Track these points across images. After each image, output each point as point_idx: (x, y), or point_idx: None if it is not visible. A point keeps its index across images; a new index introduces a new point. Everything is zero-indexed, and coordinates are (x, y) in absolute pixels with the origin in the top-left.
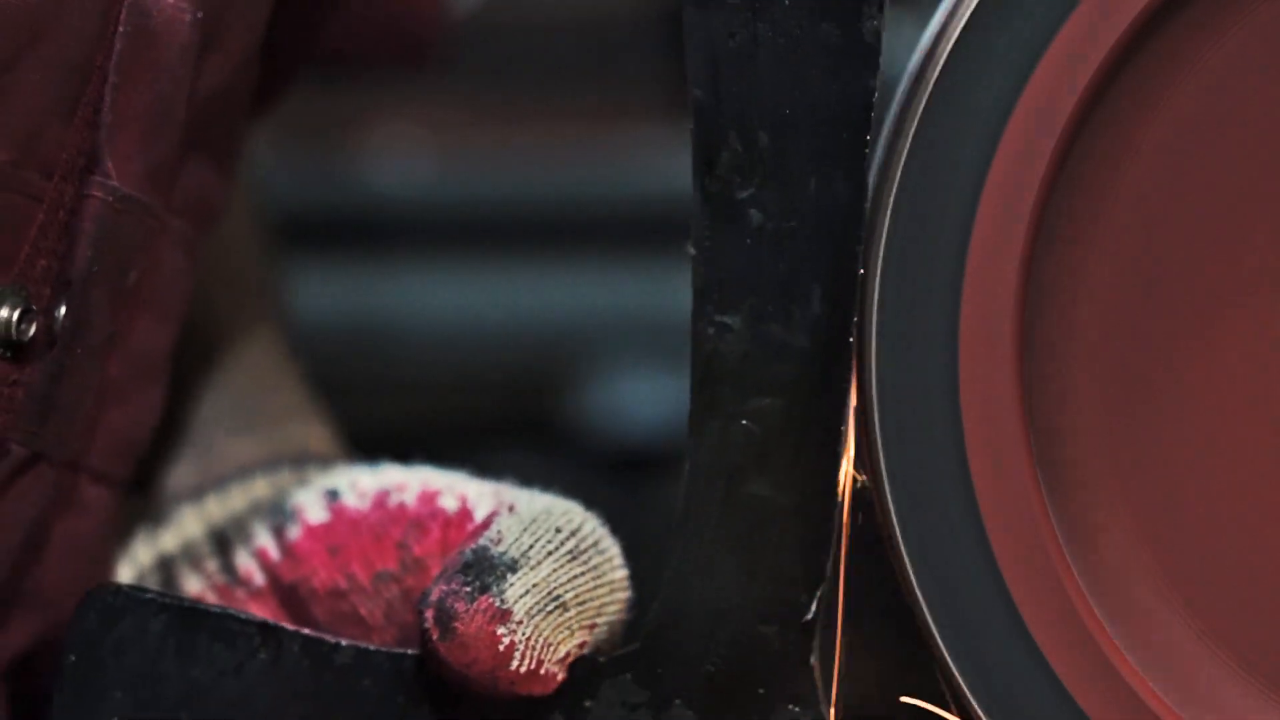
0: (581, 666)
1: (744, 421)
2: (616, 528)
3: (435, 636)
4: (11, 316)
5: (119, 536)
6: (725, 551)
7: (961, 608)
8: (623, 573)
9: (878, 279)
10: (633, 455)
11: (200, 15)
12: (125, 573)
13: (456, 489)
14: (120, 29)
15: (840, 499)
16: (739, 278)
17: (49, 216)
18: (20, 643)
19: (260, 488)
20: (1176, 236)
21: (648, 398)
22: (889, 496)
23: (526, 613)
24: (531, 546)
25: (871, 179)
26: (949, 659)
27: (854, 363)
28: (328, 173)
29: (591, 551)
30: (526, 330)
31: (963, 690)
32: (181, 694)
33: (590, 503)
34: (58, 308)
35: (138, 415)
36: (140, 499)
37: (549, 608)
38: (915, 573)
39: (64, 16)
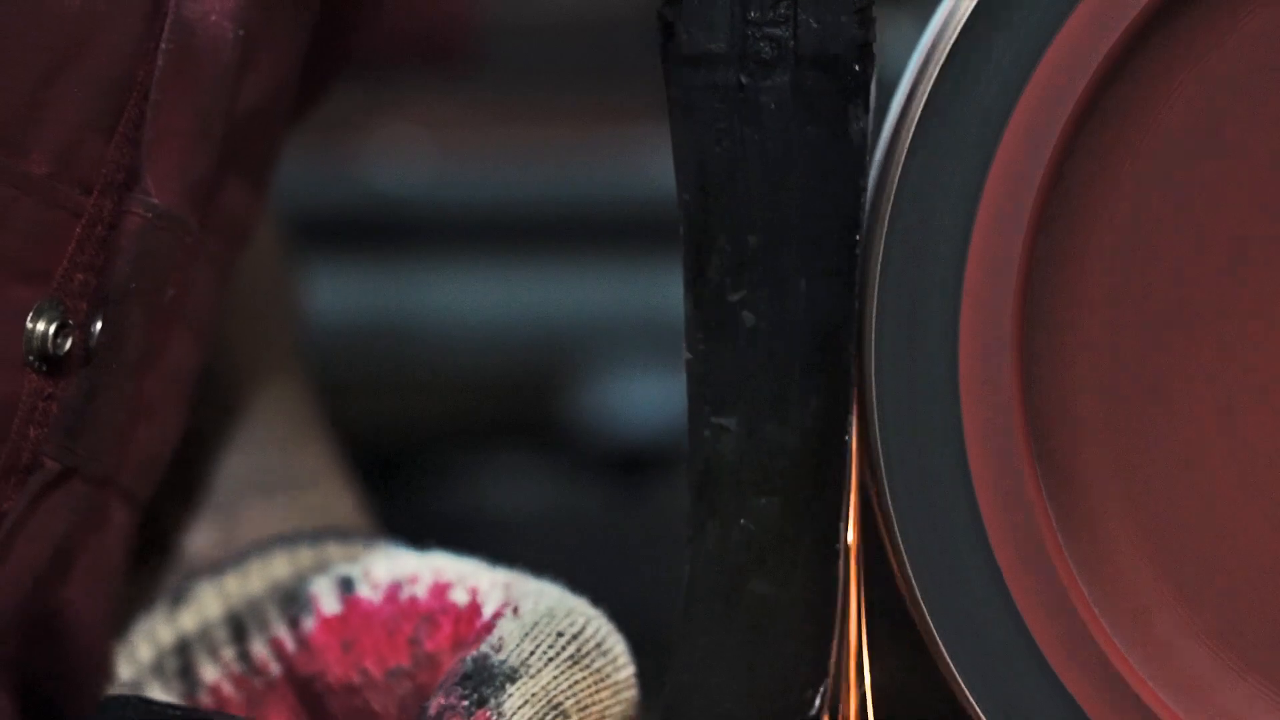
0: None
1: (743, 522)
2: (616, 528)
3: None
4: (48, 330)
5: (141, 599)
6: (728, 651)
7: (961, 608)
8: (628, 672)
9: (878, 280)
10: (633, 455)
11: (242, 33)
12: (145, 652)
13: (468, 581)
14: (162, 45)
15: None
16: (734, 380)
17: (87, 231)
18: (39, 664)
19: (279, 567)
20: (1177, 236)
21: (648, 398)
22: (889, 496)
23: None
24: (532, 653)
25: (871, 184)
26: (949, 659)
27: (852, 461)
28: (327, 173)
29: (594, 654)
30: (526, 330)
31: (963, 690)
32: None
33: (590, 503)
34: (94, 323)
35: (165, 434)
36: (159, 558)
37: (549, 717)
38: (915, 573)
39: (106, 31)
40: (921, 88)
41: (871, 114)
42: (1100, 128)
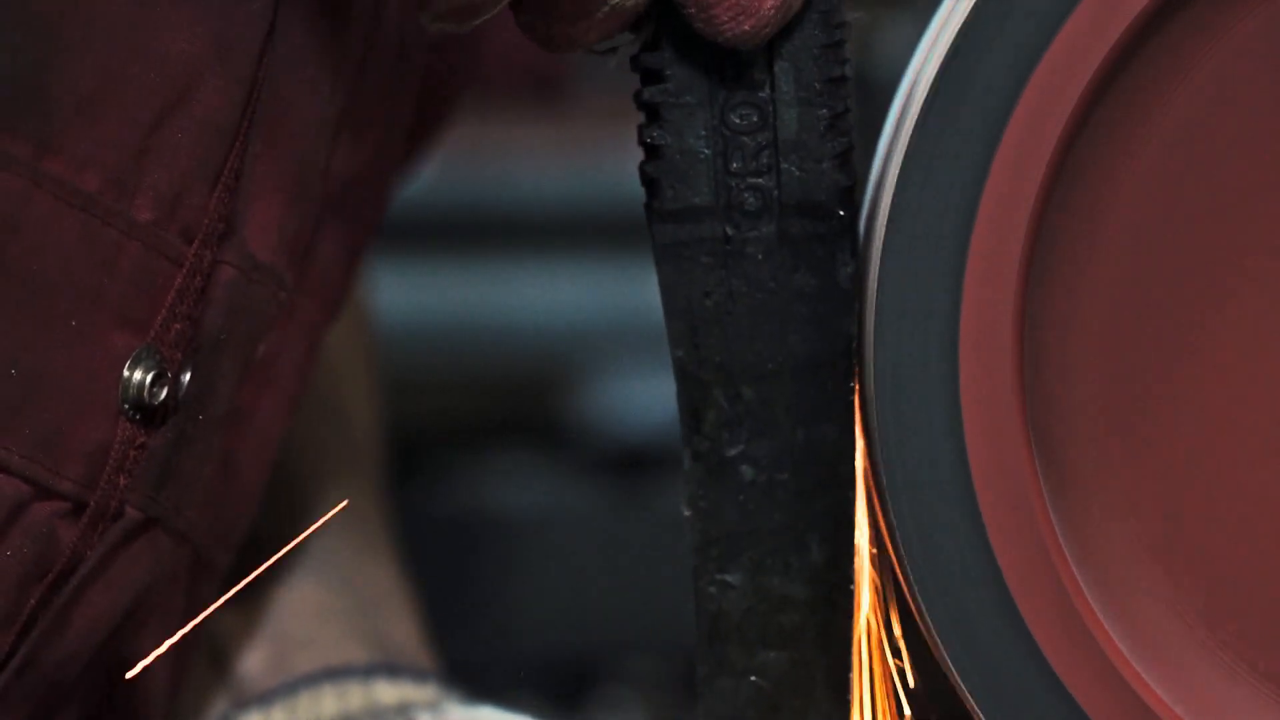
0: None
1: (752, 678)
2: (616, 528)
3: None
4: (145, 379)
5: (196, 687)
6: None
7: (962, 608)
8: None
9: (877, 281)
10: (633, 455)
11: (338, 91)
12: None
13: None
14: (261, 96)
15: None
16: (736, 534)
17: (187, 281)
18: (104, 712)
19: (327, 704)
20: (1177, 236)
21: (648, 398)
22: (889, 497)
23: None
24: None
25: (867, 193)
26: (949, 659)
27: (855, 610)
28: None
29: None
30: (526, 330)
31: (963, 690)
32: None
33: (590, 503)
34: (185, 373)
35: (247, 499)
36: (212, 674)
37: None
38: (915, 573)
39: (212, 76)
40: (921, 88)
41: (857, 258)
42: (1100, 128)
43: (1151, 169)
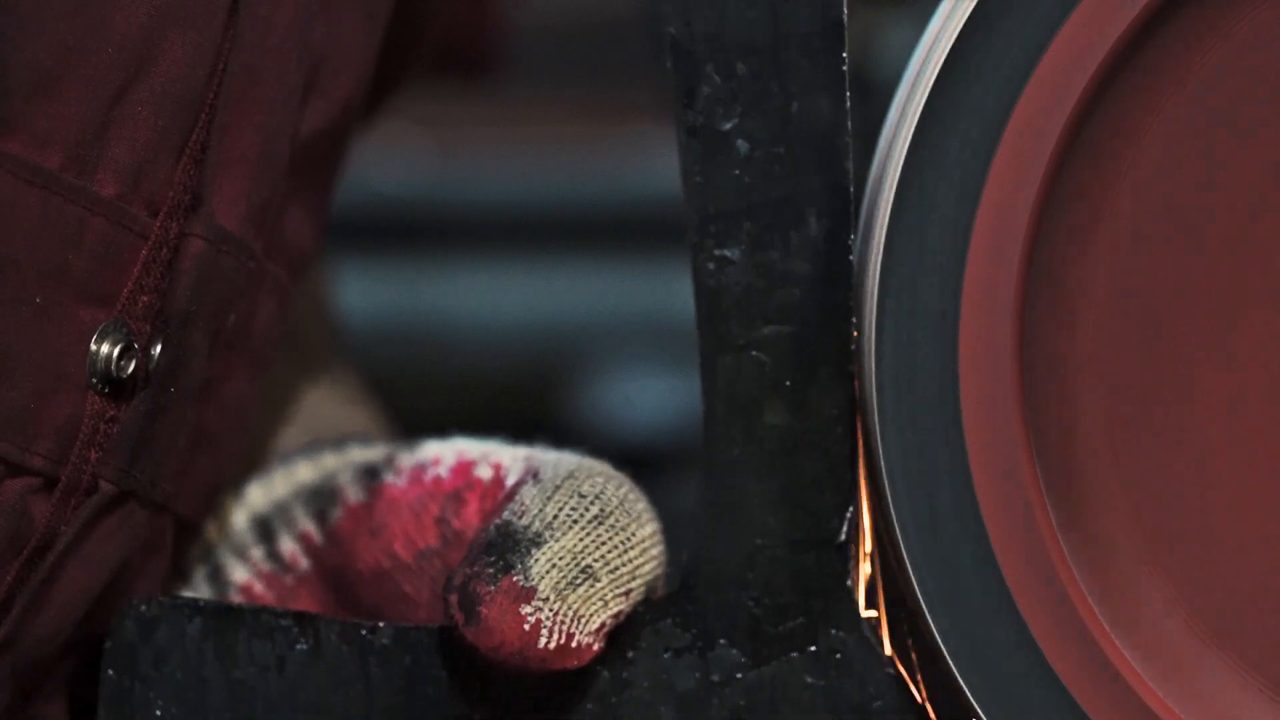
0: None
1: (754, 353)
2: None
3: (461, 622)
4: (112, 353)
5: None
6: (751, 485)
7: (962, 608)
8: (652, 528)
9: (877, 282)
10: (633, 455)
11: (305, 56)
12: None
13: (491, 457)
14: (228, 67)
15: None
16: (733, 209)
17: (153, 253)
18: (95, 684)
19: (303, 472)
20: (1178, 237)
21: (648, 398)
22: (890, 497)
23: (553, 588)
24: (555, 517)
25: (866, 193)
26: (949, 659)
27: (853, 282)
28: None
29: (619, 513)
30: (526, 330)
31: (963, 690)
32: (226, 696)
33: None
34: (155, 345)
35: (223, 465)
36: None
37: (577, 580)
38: (915, 573)
39: (172, 49)
40: (921, 88)
41: None
42: (1100, 130)
43: (1152, 169)
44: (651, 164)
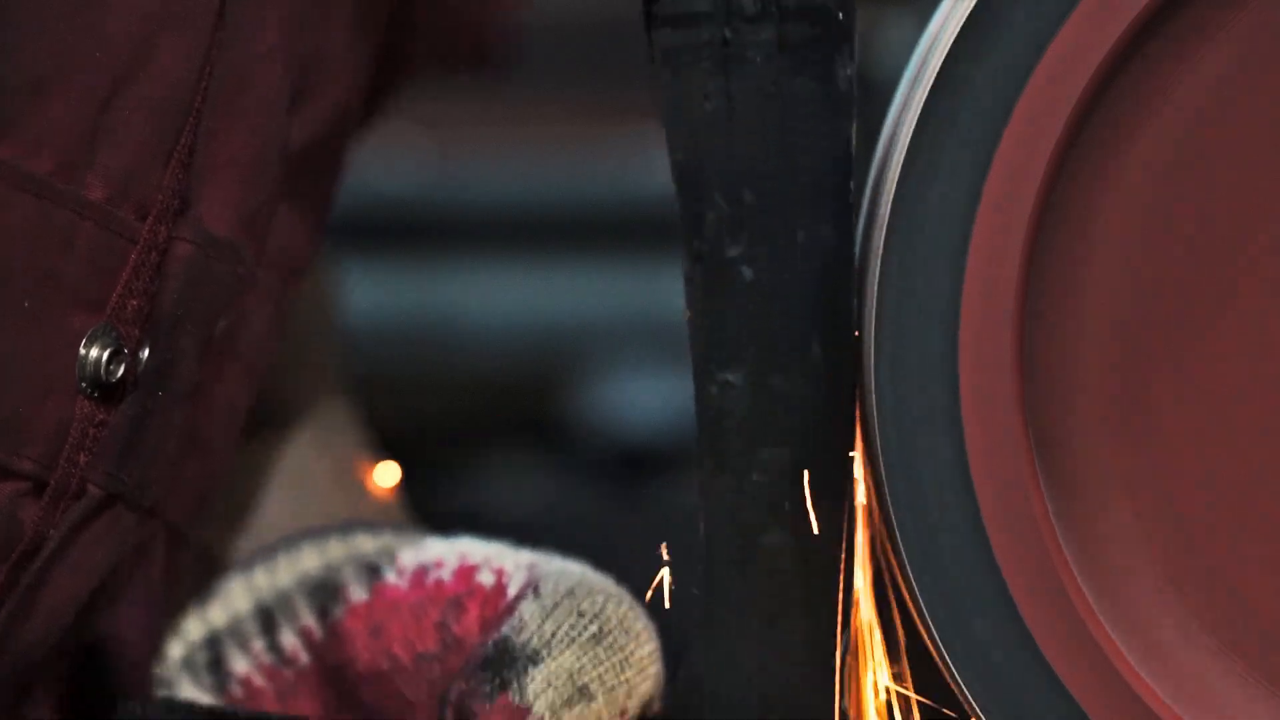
0: None
1: (754, 476)
2: (616, 528)
3: None
4: (102, 357)
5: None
6: (747, 607)
7: (961, 607)
8: (652, 648)
9: (877, 282)
10: (633, 455)
11: (293, 64)
12: (175, 649)
13: (494, 563)
14: (215, 72)
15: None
16: (737, 335)
17: (142, 258)
18: (85, 689)
19: (308, 559)
20: (1177, 237)
21: (648, 398)
22: (889, 498)
23: (549, 708)
24: (554, 634)
25: (864, 197)
26: (949, 659)
27: (857, 405)
28: None
29: (617, 632)
30: (526, 330)
31: (963, 690)
32: None
33: (590, 503)
34: (143, 350)
35: (214, 470)
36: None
37: (573, 700)
38: (915, 572)
39: (162, 54)
40: (921, 88)
41: (856, 62)
42: (1099, 129)
43: (1152, 168)
44: (651, 164)
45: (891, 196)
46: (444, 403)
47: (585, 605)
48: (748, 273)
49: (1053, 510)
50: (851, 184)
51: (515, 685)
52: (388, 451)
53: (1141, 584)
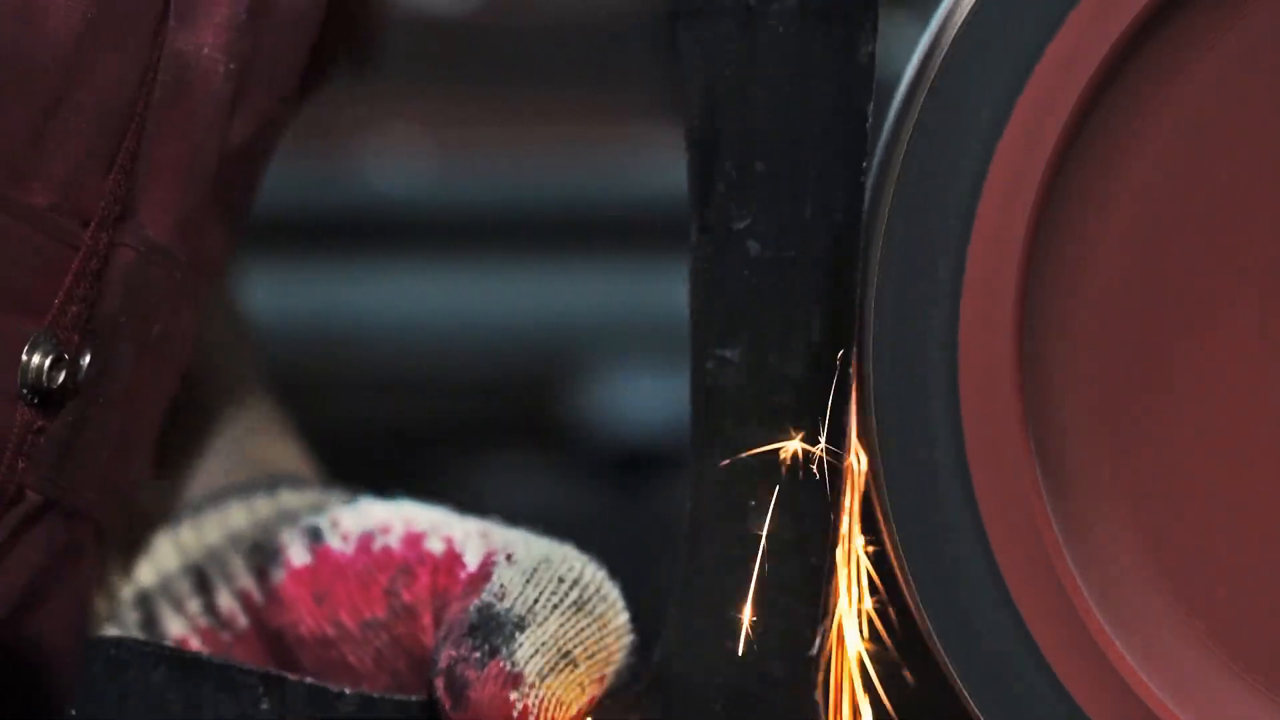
0: (589, 711)
1: (744, 454)
2: (617, 528)
3: (448, 706)
4: (43, 363)
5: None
6: (729, 588)
7: (961, 608)
8: (625, 617)
9: (877, 280)
10: (633, 455)
11: (233, 66)
12: (101, 606)
13: (441, 530)
14: (158, 77)
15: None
16: (737, 310)
17: (83, 264)
18: (11, 690)
19: (236, 516)
20: (1176, 236)
21: (648, 398)
22: (889, 497)
23: (538, 674)
24: (537, 601)
25: (870, 182)
26: (949, 659)
27: (854, 389)
28: (327, 173)
29: (596, 600)
30: (526, 330)
31: (963, 690)
32: None
33: (590, 503)
34: (84, 356)
35: (138, 468)
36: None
37: (559, 666)
38: (915, 572)
39: (105, 61)
40: (921, 87)
41: (878, 40)
42: (1099, 128)
43: (1151, 168)
44: (651, 164)
45: (891, 198)
46: (444, 403)
47: (564, 571)
48: (754, 247)
49: (1053, 511)
50: (864, 163)
51: (505, 651)
52: (386, 452)
53: (1141, 584)
